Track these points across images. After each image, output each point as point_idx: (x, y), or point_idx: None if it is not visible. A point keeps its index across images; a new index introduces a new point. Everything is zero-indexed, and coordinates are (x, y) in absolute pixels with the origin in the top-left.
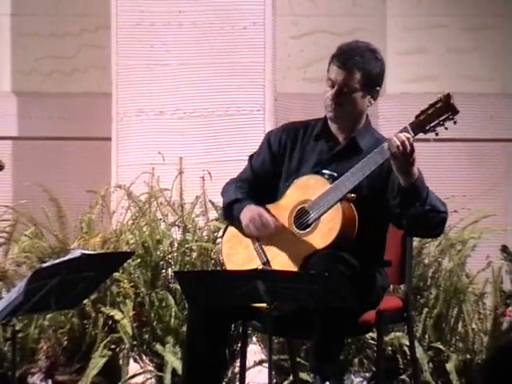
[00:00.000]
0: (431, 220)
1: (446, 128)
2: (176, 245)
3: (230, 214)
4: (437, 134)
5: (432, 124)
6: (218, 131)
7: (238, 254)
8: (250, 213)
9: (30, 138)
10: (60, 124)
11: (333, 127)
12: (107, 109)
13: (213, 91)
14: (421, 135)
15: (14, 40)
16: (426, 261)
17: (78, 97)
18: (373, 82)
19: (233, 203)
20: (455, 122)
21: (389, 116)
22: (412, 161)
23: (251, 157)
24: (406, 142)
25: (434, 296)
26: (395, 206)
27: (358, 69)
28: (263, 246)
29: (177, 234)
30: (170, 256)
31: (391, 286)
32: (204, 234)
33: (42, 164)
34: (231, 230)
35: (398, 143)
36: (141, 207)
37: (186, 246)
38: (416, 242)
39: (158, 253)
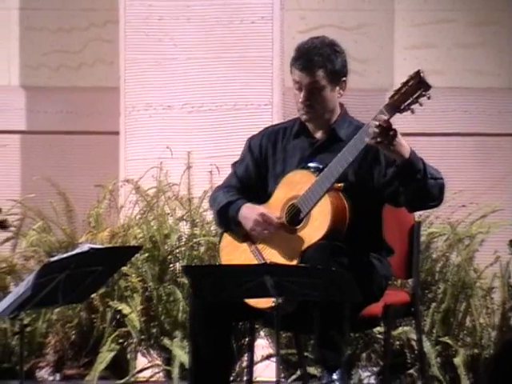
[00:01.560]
0: (431, 189)
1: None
2: (184, 239)
3: (224, 218)
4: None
5: (406, 103)
6: (226, 125)
7: (237, 259)
8: (250, 214)
9: (37, 133)
10: (68, 118)
11: (310, 126)
12: (115, 103)
13: (221, 85)
14: (429, 129)
15: (22, 34)
16: (434, 255)
17: (85, 91)
18: (338, 75)
19: (226, 206)
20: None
21: None
22: (392, 136)
23: (234, 164)
24: (380, 127)
25: (442, 291)
26: (384, 185)
27: (320, 67)
28: (259, 248)
29: (185, 228)
30: (177, 250)
31: (399, 281)
32: (212, 228)
33: (49, 158)
34: (227, 236)
35: (371, 132)
36: (149, 202)
37: (194, 240)
38: (424, 236)
39: (166, 247)
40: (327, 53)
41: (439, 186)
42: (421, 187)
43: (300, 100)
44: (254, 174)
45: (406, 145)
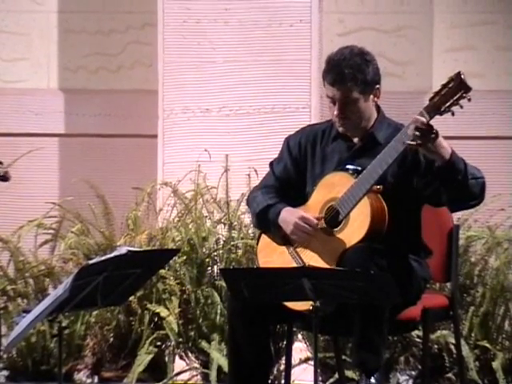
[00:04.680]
0: (472, 188)
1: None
2: (222, 242)
3: (264, 221)
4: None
5: (447, 104)
6: (263, 128)
7: (274, 261)
8: (291, 217)
9: (76, 135)
10: (106, 121)
11: (348, 133)
12: (153, 106)
13: (259, 89)
14: (468, 132)
15: (61, 37)
16: (473, 259)
17: (124, 94)
18: (371, 84)
19: (266, 209)
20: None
21: None
22: (433, 138)
23: (271, 163)
24: (420, 130)
25: (481, 294)
26: (424, 185)
27: (351, 79)
28: (298, 250)
29: (222, 231)
30: (215, 253)
31: (437, 284)
32: (250, 231)
33: (88, 161)
34: (264, 238)
35: (411, 134)
36: (187, 204)
37: (232, 243)
38: (462, 239)
39: (204, 250)
40: (357, 63)
41: (480, 185)
42: (462, 187)
43: (335, 113)
44: (293, 173)
45: (447, 146)
